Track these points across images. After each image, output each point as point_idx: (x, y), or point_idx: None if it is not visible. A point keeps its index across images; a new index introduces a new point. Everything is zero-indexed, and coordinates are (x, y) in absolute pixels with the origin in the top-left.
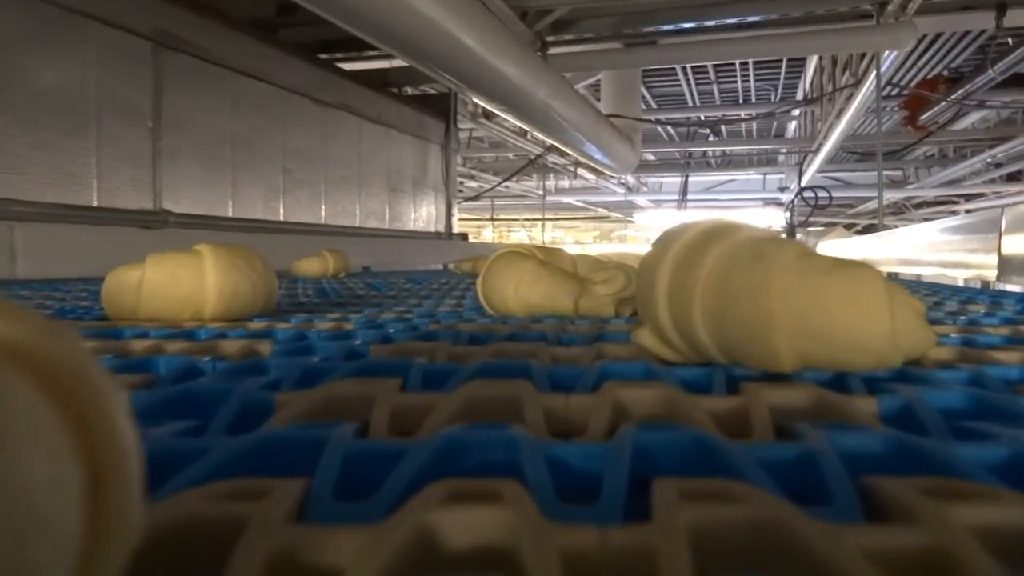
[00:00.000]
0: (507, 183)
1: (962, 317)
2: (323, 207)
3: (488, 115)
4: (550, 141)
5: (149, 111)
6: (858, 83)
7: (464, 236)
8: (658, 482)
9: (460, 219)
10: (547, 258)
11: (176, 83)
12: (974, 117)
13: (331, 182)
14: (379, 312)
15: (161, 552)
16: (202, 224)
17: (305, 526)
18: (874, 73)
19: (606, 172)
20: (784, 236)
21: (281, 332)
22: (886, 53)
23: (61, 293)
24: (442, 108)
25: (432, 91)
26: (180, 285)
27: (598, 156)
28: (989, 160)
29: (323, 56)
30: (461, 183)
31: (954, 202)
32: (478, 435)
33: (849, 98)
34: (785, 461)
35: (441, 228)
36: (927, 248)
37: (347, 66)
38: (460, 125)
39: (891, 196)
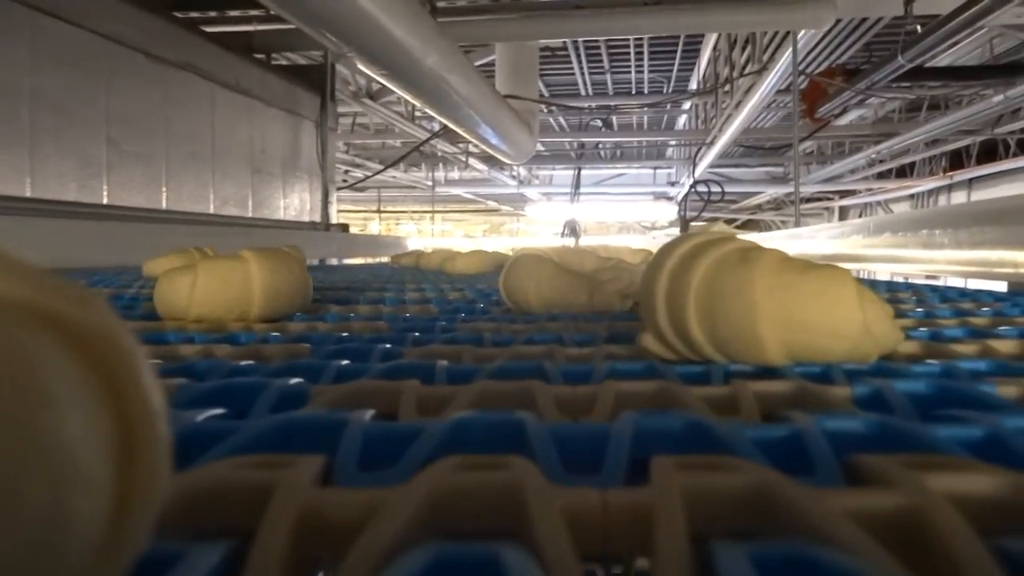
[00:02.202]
0: (395, 173)
1: (919, 309)
2: (164, 189)
3: (372, 95)
4: (441, 123)
5: None
6: (763, 69)
7: (345, 227)
8: (656, 458)
9: (344, 211)
10: (560, 257)
11: None
12: (852, 115)
13: (175, 159)
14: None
15: (194, 513)
16: None
17: (329, 488)
18: (785, 55)
19: (502, 160)
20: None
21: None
22: (801, 33)
23: None
24: (317, 80)
25: (305, 61)
26: (230, 289)
27: (494, 141)
28: (875, 156)
29: (178, 15)
30: (346, 172)
31: (829, 198)
32: (489, 417)
33: (749, 90)
34: (774, 440)
35: (317, 218)
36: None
37: (207, 30)
38: (343, 109)
39: (774, 192)
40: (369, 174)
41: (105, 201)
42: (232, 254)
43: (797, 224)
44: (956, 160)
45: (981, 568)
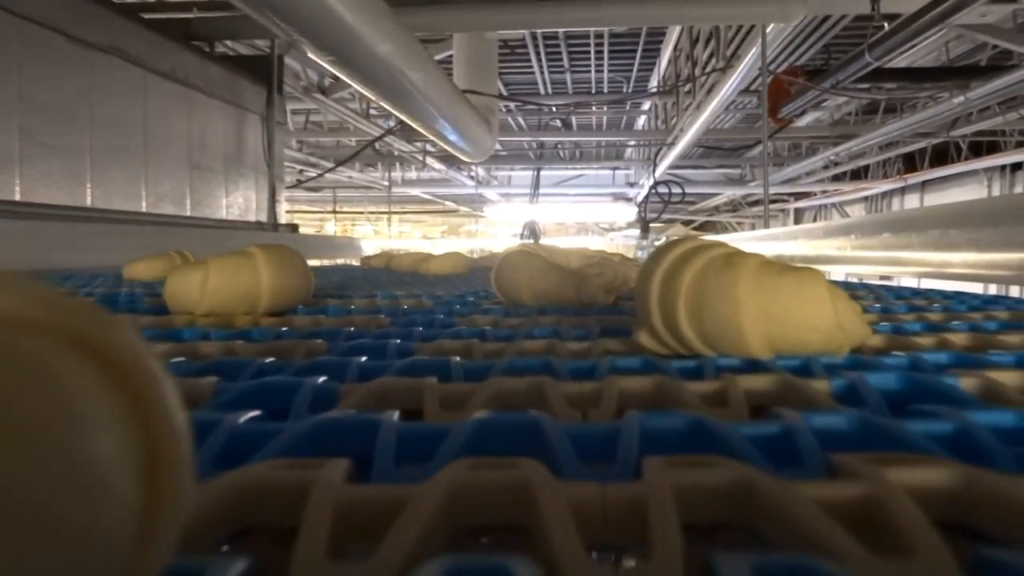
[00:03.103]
0: (351, 173)
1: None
2: (89, 185)
3: (325, 90)
4: (396, 119)
5: None
6: (728, 67)
7: (294, 228)
8: (647, 458)
9: (299, 211)
10: (548, 254)
11: None
12: (809, 117)
13: (101, 152)
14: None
15: (234, 512)
16: None
17: (360, 485)
18: (752, 52)
19: (461, 159)
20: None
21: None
22: (770, 27)
23: None
24: (263, 72)
25: (250, 52)
26: (240, 284)
27: (452, 137)
28: (833, 158)
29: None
30: (300, 172)
31: (784, 200)
32: (510, 418)
33: (711, 90)
34: (766, 437)
35: (264, 217)
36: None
37: (144, 16)
38: (296, 105)
39: (733, 193)
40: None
41: (18, 197)
42: (239, 251)
43: (767, 225)
44: (909, 163)
45: (929, 545)
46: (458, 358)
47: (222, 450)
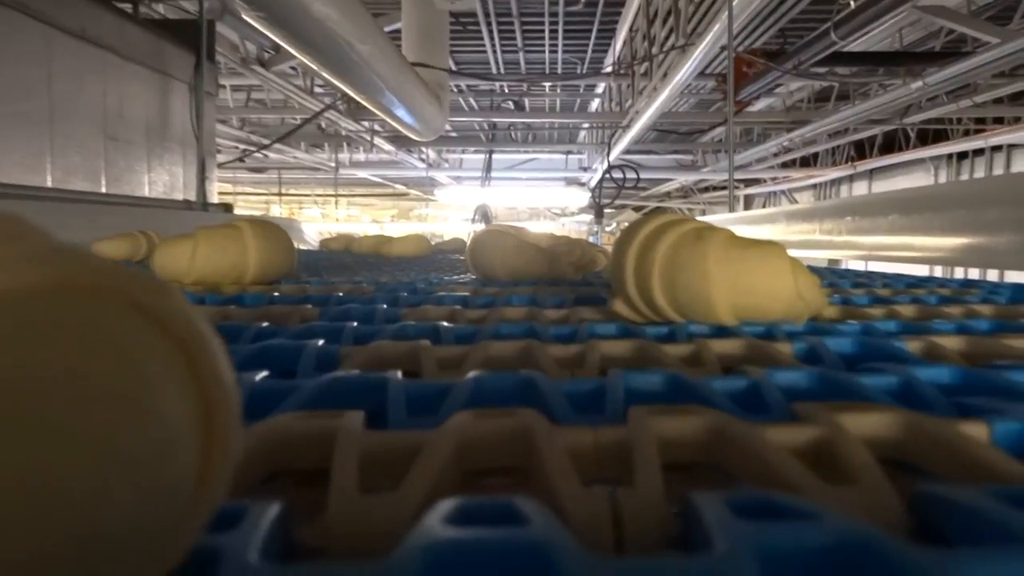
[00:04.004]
0: (296, 154)
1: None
2: None
3: (264, 62)
4: (341, 93)
5: None
6: (688, 44)
7: (228, 208)
8: (631, 408)
9: (243, 193)
10: (519, 234)
11: None
12: (762, 104)
13: None
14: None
15: (264, 458)
16: None
17: (379, 431)
18: (715, 28)
19: (409, 136)
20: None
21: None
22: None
23: None
24: (191, 37)
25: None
26: (228, 255)
27: (400, 112)
28: (787, 144)
29: None
30: (243, 151)
31: (735, 187)
32: (508, 376)
33: (666, 75)
34: (736, 389)
35: (192, 196)
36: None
37: None
38: (236, 81)
39: (685, 179)
40: (271, 155)
41: None
42: (227, 224)
43: (732, 208)
44: (859, 151)
45: (872, 477)
46: (445, 323)
47: (243, 406)
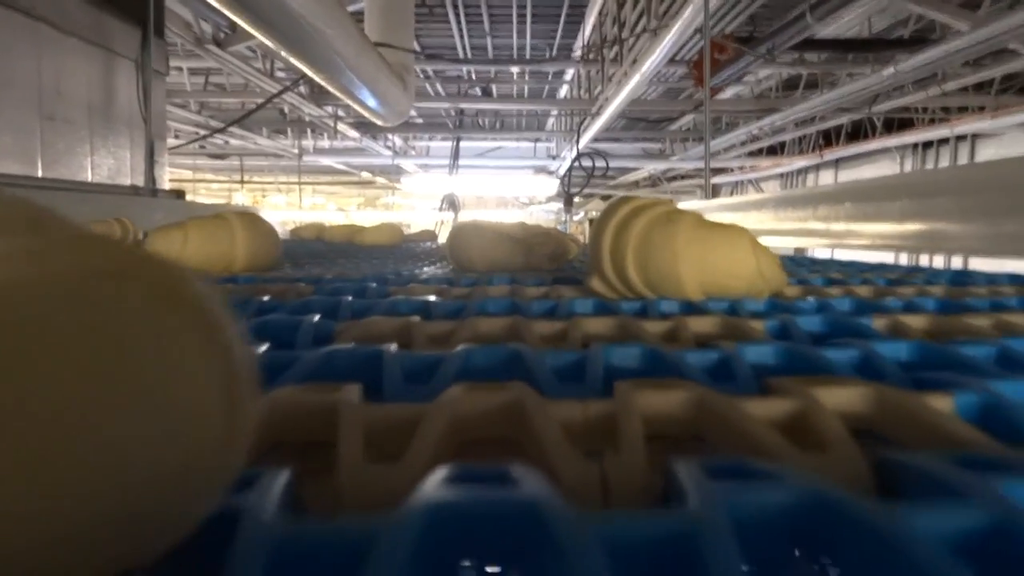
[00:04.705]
0: (259, 140)
1: None
2: None
3: (220, 42)
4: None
5: None
6: (660, 27)
7: (179, 194)
8: (617, 382)
9: (204, 180)
10: (496, 225)
11: None
12: (729, 92)
13: None
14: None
15: (269, 428)
16: None
17: (379, 404)
18: (688, 9)
19: (373, 120)
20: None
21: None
22: None
23: None
24: (136, 10)
25: None
26: (217, 245)
27: (362, 94)
28: (756, 131)
29: None
30: (198, 136)
31: (702, 176)
32: (496, 349)
33: (635, 61)
34: (710, 362)
35: (140, 181)
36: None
37: None
38: (194, 64)
39: (654, 167)
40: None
41: None
42: (215, 215)
43: (708, 195)
44: (826, 140)
45: (841, 443)
46: (434, 297)
47: None
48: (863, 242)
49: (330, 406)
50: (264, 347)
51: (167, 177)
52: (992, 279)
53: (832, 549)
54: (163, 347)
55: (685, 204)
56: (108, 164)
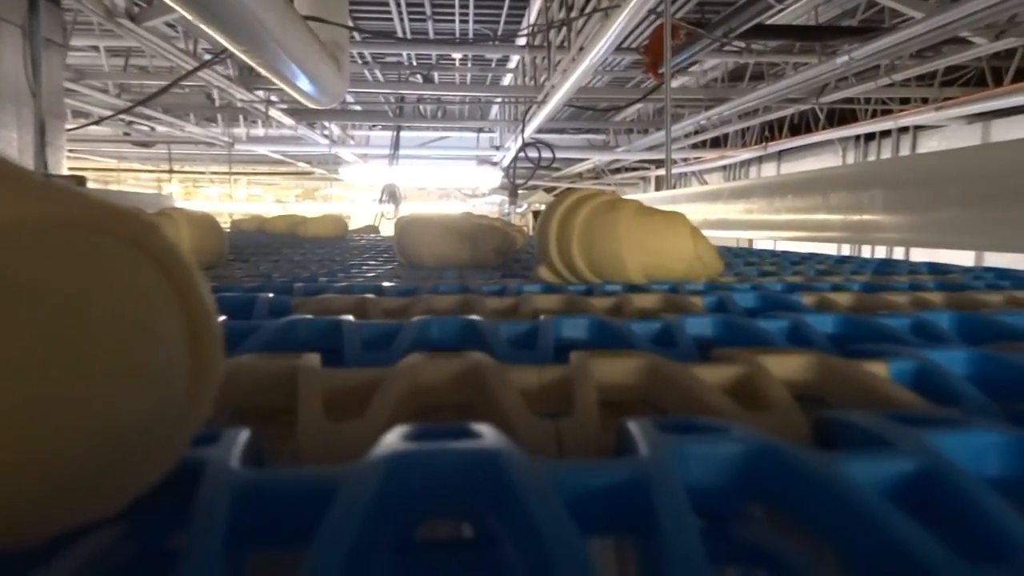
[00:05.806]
0: (188, 127)
1: None
2: None
3: (134, 16)
4: (225, 52)
5: None
6: (612, 7)
7: (80, 180)
8: (573, 352)
9: (129, 169)
10: (444, 220)
11: None
12: (676, 83)
13: None
14: None
15: (227, 396)
16: None
17: (342, 369)
18: None
19: (305, 103)
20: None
21: None
22: None
23: None
24: None
25: None
26: None
27: (290, 73)
28: (704, 122)
29: None
30: (129, 123)
31: (646, 168)
32: (451, 319)
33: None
34: (654, 331)
35: (29, 164)
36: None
37: None
38: (112, 43)
39: (599, 159)
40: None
41: None
42: (160, 213)
43: (668, 185)
44: (769, 132)
45: (783, 404)
46: (388, 282)
47: None
48: (803, 233)
49: (290, 371)
50: (221, 318)
51: (64, 161)
52: (913, 268)
53: (775, 495)
54: (128, 300)
55: (640, 197)
56: None
